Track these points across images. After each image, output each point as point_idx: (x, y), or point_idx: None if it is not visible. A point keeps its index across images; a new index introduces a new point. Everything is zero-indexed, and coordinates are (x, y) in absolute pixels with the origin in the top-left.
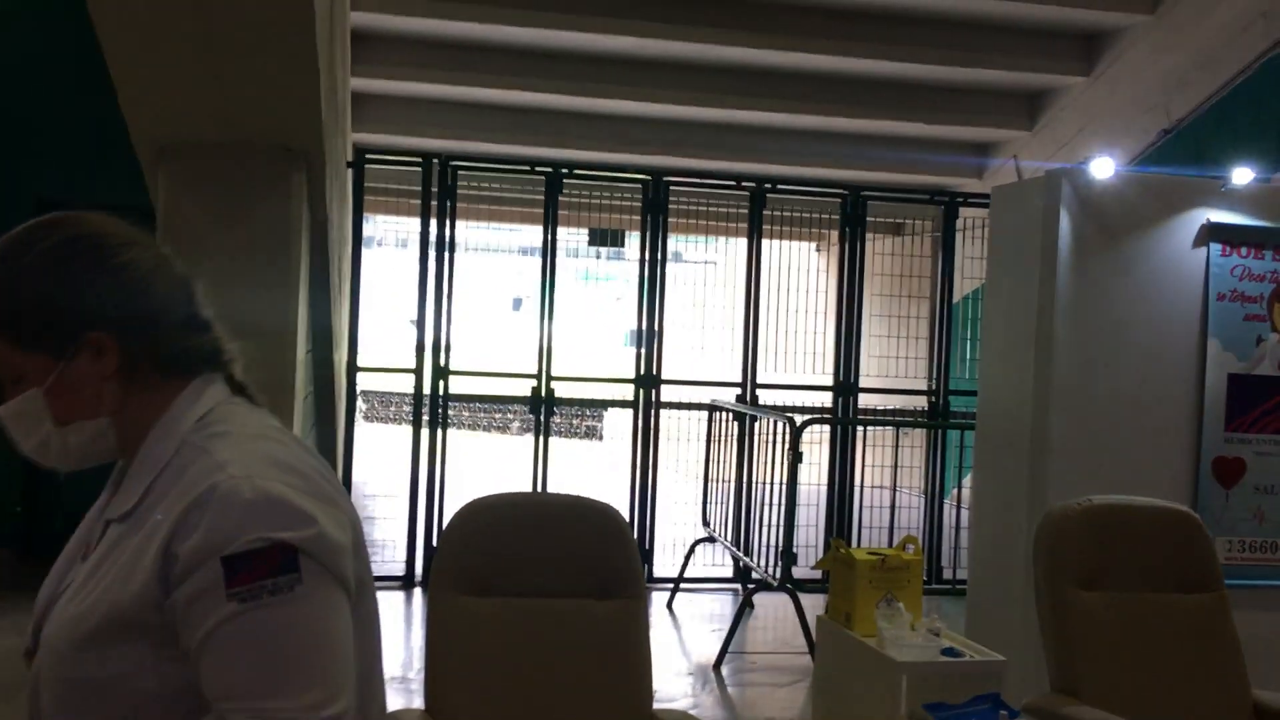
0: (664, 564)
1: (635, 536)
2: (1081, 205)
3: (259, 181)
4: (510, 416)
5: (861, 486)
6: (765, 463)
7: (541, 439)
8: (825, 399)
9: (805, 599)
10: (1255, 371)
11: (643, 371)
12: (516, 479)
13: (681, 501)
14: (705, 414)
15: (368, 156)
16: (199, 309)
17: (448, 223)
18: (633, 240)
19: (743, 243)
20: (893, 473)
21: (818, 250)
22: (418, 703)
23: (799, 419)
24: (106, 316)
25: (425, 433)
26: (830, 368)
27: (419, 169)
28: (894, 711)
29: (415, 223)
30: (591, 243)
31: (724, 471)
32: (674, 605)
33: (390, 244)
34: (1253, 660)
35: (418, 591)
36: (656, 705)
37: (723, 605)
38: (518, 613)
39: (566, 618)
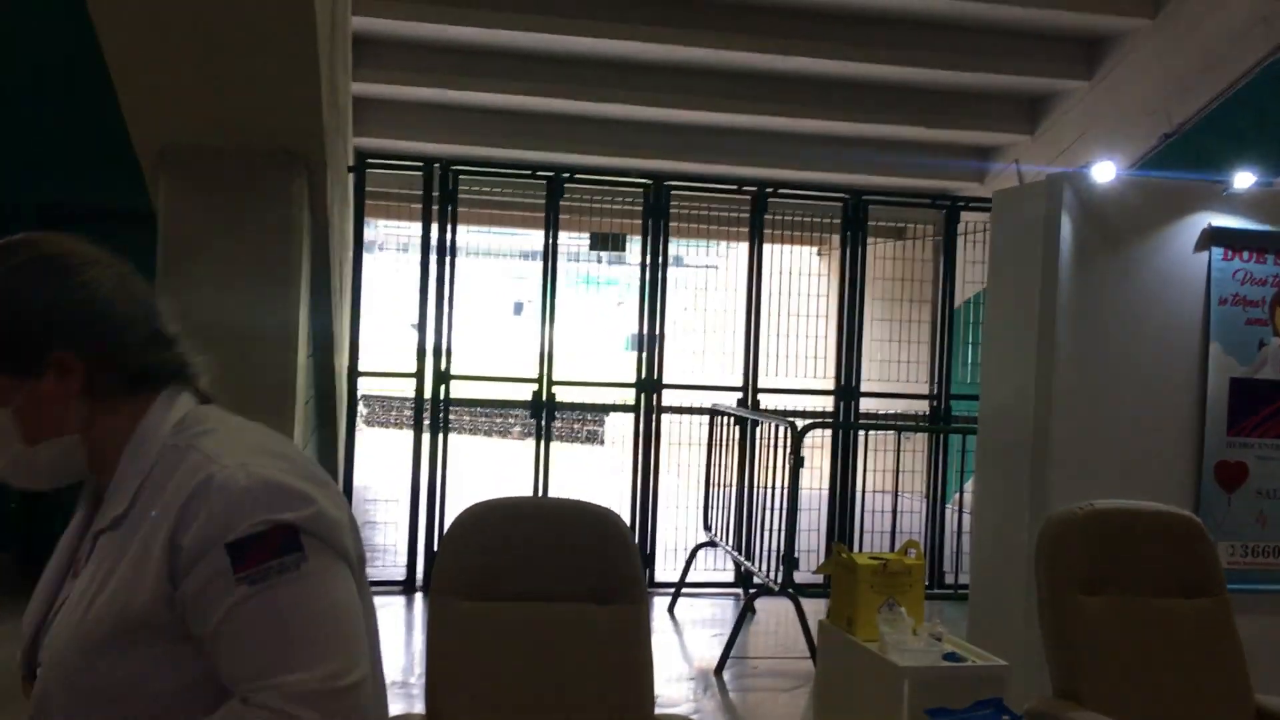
0: (665, 569)
1: (636, 541)
2: (1083, 209)
3: (260, 186)
4: (511, 421)
5: (863, 491)
6: (766, 467)
7: (542, 443)
8: (827, 403)
9: (807, 604)
10: (1257, 376)
11: (644, 376)
12: (517, 483)
13: (683, 506)
14: (706, 418)
15: (369, 161)
16: (163, 325)
17: (449, 227)
18: (634, 245)
19: (744, 247)
20: (894, 477)
21: (819, 254)
22: (419, 707)
23: (800, 423)
24: (70, 335)
25: (426, 437)
26: (832, 372)
27: (420, 173)
28: (896, 717)
29: (416, 227)
30: (593, 247)
31: (725, 476)
32: (675, 610)
33: (391, 248)
34: (1255, 665)
35: (419, 596)
36: (658, 711)
37: (724, 610)
38: (519, 618)
39: (567, 623)
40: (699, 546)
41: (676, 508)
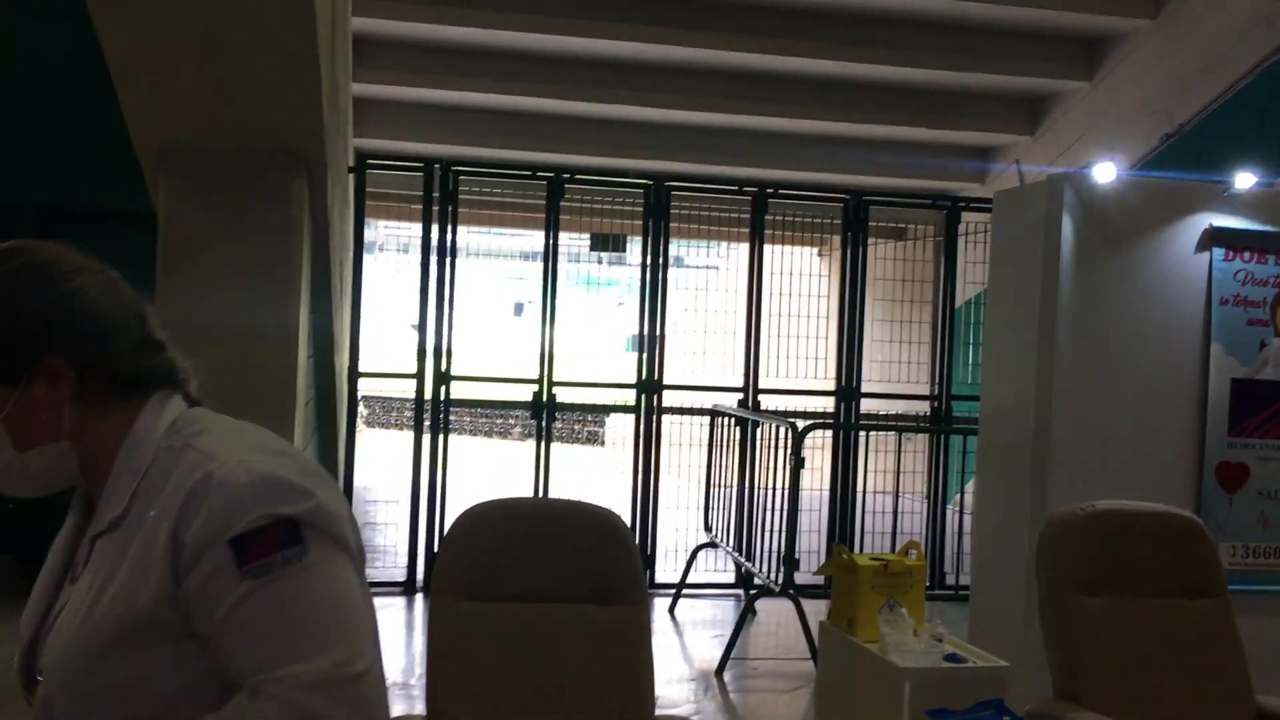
0: (666, 570)
1: (637, 542)
2: (1084, 210)
3: (260, 186)
4: (511, 422)
5: (864, 492)
6: (767, 468)
7: (543, 444)
8: (827, 404)
9: (808, 604)
10: (1258, 376)
11: (644, 376)
12: (518, 484)
13: (683, 507)
14: (707, 419)
15: (369, 161)
16: (152, 330)
17: (449, 228)
18: (634, 245)
19: (744, 248)
20: (895, 478)
21: (819, 255)
22: (419, 708)
23: (801, 424)
24: (61, 342)
25: (426, 438)
26: (832, 373)
27: (420, 174)
28: (897, 718)
29: (417, 228)
30: (593, 248)
31: (726, 477)
32: (676, 611)
33: (392, 249)
34: (1256, 665)
35: (419, 597)
36: (658, 712)
37: (725, 611)
38: (519, 619)
39: (568, 624)
40: (699, 547)
41: (677, 509)
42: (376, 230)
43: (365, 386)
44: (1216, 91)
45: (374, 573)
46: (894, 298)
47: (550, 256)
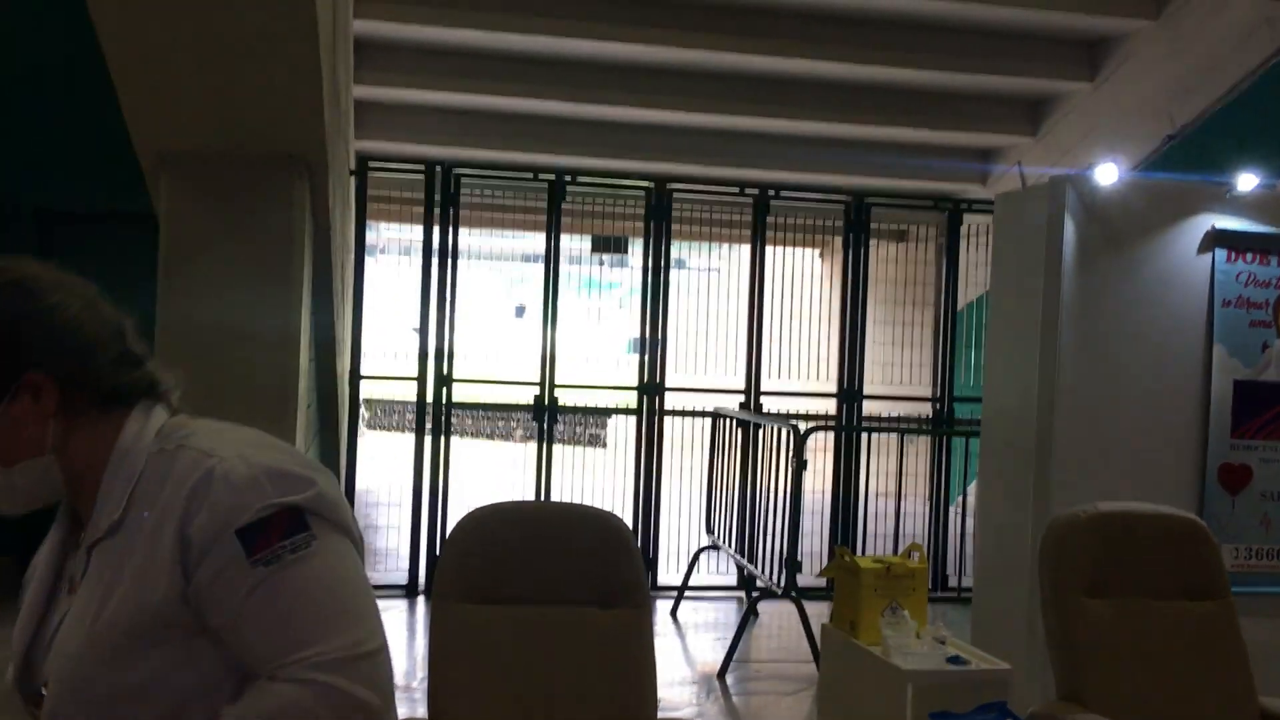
0: (668, 572)
1: (639, 544)
2: (1086, 211)
3: (262, 189)
4: (513, 424)
5: (866, 494)
6: (769, 470)
7: (544, 447)
8: (829, 406)
9: (810, 607)
10: (1261, 378)
11: (646, 379)
12: (520, 487)
13: (685, 509)
14: (709, 421)
15: (371, 164)
16: (132, 344)
17: (451, 230)
18: (636, 247)
19: (746, 249)
20: (897, 480)
21: (821, 257)
22: (421, 711)
23: (803, 426)
24: (42, 357)
25: (428, 440)
26: (834, 375)
27: (422, 176)
28: None
29: (418, 230)
30: (595, 250)
31: (728, 479)
32: (678, 614)
33: (393, 252)
34: (1259, 667)
35: (421, 600)
36: (660, 714)
37: (727, 614)
38: (521, 621)
39: (570, 626)
40: (701, 550)
41: (679, 511)
42: (378, 233)
43: (367, 389)
44: (1219, 92)
45: (375, 575)
46: (896, 300)
47: (552, 259)
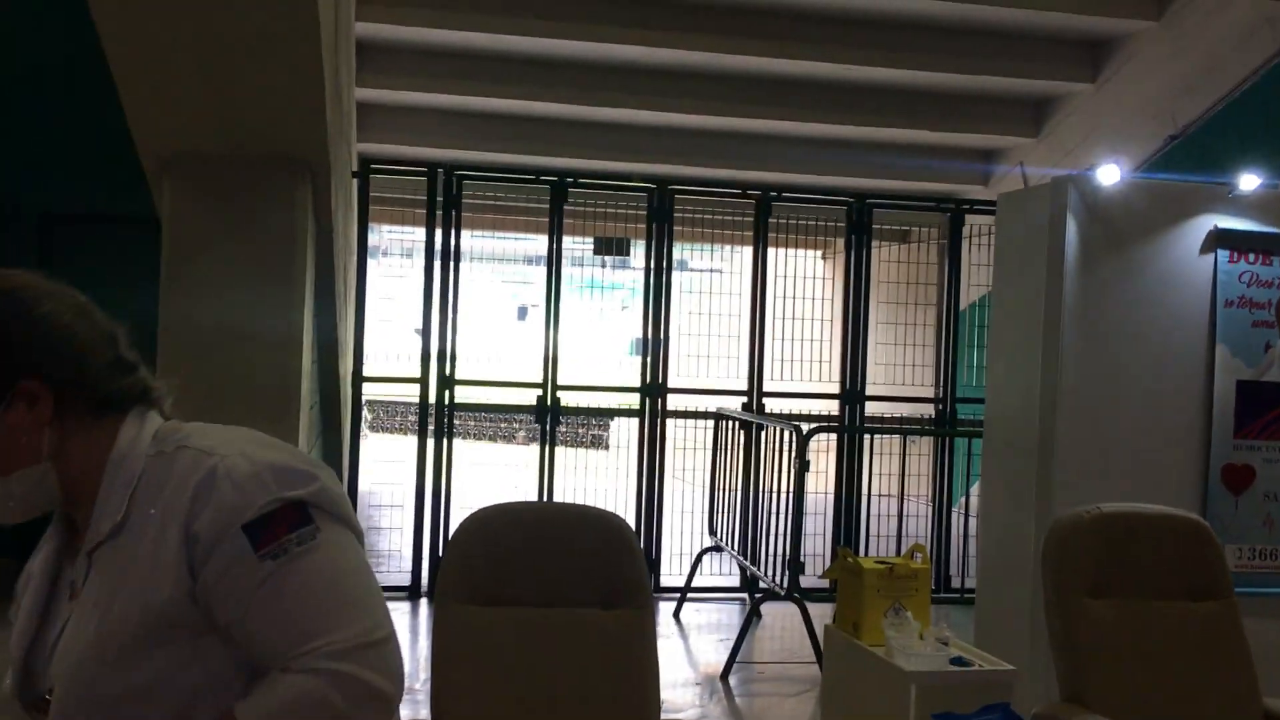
0: (671, 573)
1: (641, 546)
2: (1088, 212)
3: (264, 192)
4: (516, 426)
5: (869, 495)
6: (772, 471)
7: (547, 448)
8: (832, 407)
9: (813, 608)
10: (1264, 378)
11: (648, 380)
12: (522, 488)
13: (688, 511)
14: (711, 422)
15: (373, 166)
16: (125, 352)
17: (453, 232)
18: (638, 249)
19: (748, 251)
20: (900, 481)
21: (823, 258)
22: (424, 713)
23: (805, 427)
24: (36, 364)
25: (431, 442)
26: (837, 376)
27: (424, 178)
28: None
29: (420, 232)
30: (597, 251)
31: (730, 480)
32: (681, 615)
33: (396, 253)
34: (1263, 668)
35: (424, 602)
36: (664, 716)
37: (730, 615)
38: (524, 623)
39: (573, 628)
40: (704, 551)
41: (682, 512)
42: (380, 235)
43: (369, 391)
44: (1221, 93)
45: (378, 577)
46: (898, 300)
47: (554, 260)
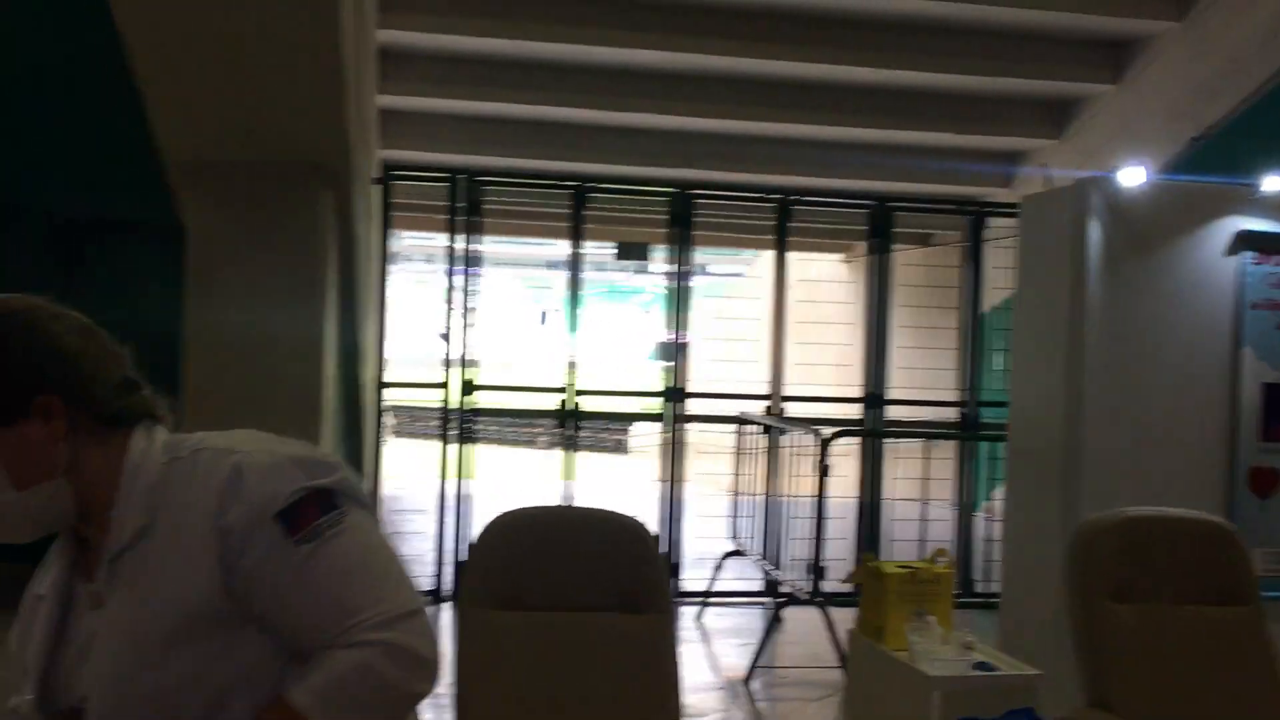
0: (692, 578)
1: (663, 550)
2: (1111, 214)
3: (287, 199)
4: (537, 430)
5: (891, 499)
6: (793, 476)
7: (568, 452)
8: (854, 411)
9: (835, 613)
10: None
11: (670, 384)
12: (544, 492)
13: (709, 515)
14: (733, 427)
15: (394, 173)
16: (130, 372)
17: (474, 238)
18: (659, 253)
19: (769, 255)
20: (923, 485)
21: (845, 262)
22: (447, 718)
23: (827, 431)
24: (49, 380)
25: (453, 447)
26: (858, 380)
27: (445, 184)
28: None
29: (442, 238)
30: (619, 256)
31: (752, 484)
32: (703, 619)
33: (418, 259)
34: None
35: (446, 606)
36: None
37: (752, 619)
38: (546, 627)
39: (595, 632)
40: (726, 555)
41: (703, 517)
42: (402, 241)
43: (392, 396)
44: (1244, 94)
45: None
46: (920, 304)
47: (575, 265)
